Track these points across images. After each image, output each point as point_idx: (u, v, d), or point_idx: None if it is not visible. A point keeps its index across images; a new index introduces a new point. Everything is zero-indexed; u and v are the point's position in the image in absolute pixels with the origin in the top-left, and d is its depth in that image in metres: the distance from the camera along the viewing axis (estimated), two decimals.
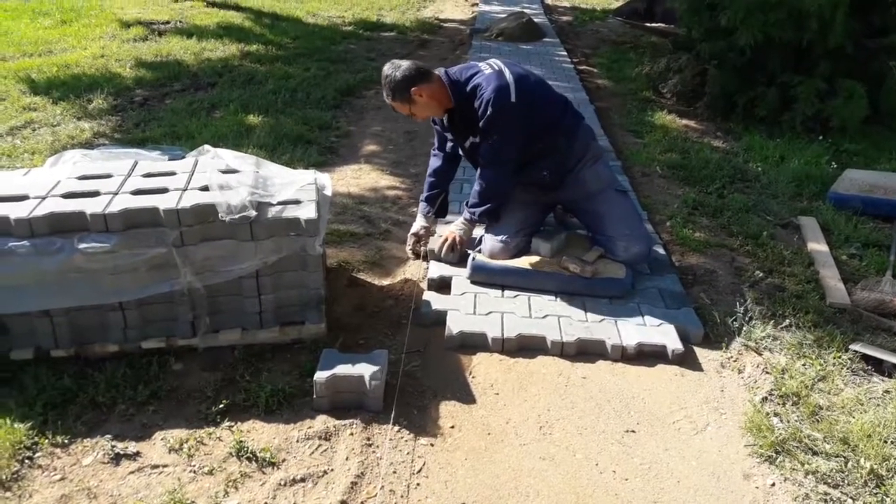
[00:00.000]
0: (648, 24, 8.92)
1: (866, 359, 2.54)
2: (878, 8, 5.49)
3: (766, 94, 5.29)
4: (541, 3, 11.20)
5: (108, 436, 2.07)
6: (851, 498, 1.93)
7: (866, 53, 5.29)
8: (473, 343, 2.59)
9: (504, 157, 2.92)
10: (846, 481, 1.99)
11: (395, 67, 2.83)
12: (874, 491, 1.95)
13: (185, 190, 2.34)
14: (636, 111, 5.70)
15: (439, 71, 2.91)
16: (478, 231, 3.17)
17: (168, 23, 8.25)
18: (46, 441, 2.03)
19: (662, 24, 8.67)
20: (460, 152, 3.16)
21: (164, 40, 7.38)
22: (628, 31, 9.15)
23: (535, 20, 8.82)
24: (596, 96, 6.14)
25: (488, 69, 2.86)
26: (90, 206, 2.20)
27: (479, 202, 3.00)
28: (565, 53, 7.69)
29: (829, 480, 1.99)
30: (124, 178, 2.42)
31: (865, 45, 5.30)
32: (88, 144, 4.40)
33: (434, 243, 3.10)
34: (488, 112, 2.77)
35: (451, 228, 3.11)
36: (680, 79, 5.84)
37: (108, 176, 2.45)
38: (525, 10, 9.38)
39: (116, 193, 2.30)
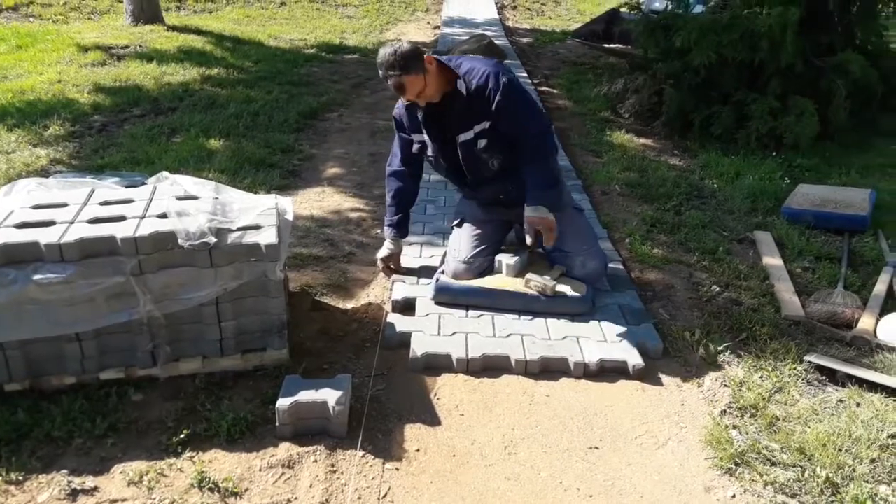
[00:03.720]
0: (606, 46, 9.11)
1: (820, 369, 2.61)
2: (826, 28, 5.71)
3: (721, 112, 5.45)
4: (501, 26, 11.38)
5: (65, 471, 2.02)
6: None
7: (816, 72, 5.48)
8: (438, 364, 2.59)
9: (538, 118, 2.86)
10: (803, 490, 2.03)
11: (398, 44, 2.70)
12: (830, 499, 2.00)
13: (142, 217, 2.31)
14: (595, 131, 5.81)
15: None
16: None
17: (127, 47, 8.17)
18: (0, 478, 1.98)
19: (620, 45, 8.86)
20: (429, 158, 3.04)
21: (124, 65, 7.31)
22: (587, 52, 9.33)
23: (496, 42, 8.94)
24: (556, 116, 6.24)
25: (474, 57, 2.87)
26: (45, 237, 2.16)
27: (544, 185, 2.86)
28: (526, 75, 7.80)
29: (787, 490, 2.03)
30: (80, 207, 2.39)
31: (815, 64, 5.50)
32: (45, 172, 4.33)
33: (543, 280, 2.88)
34: (502, 82, 2.71)
35: (531, 214, 2.87)
36: (637, 99, 5.97)
37: (64, 205, 2.41)
38: (486, 33, 9.50)
39: (72, 222, 2.27)
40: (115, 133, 5.26)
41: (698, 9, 6.26)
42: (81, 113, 5.66)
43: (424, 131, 2.95)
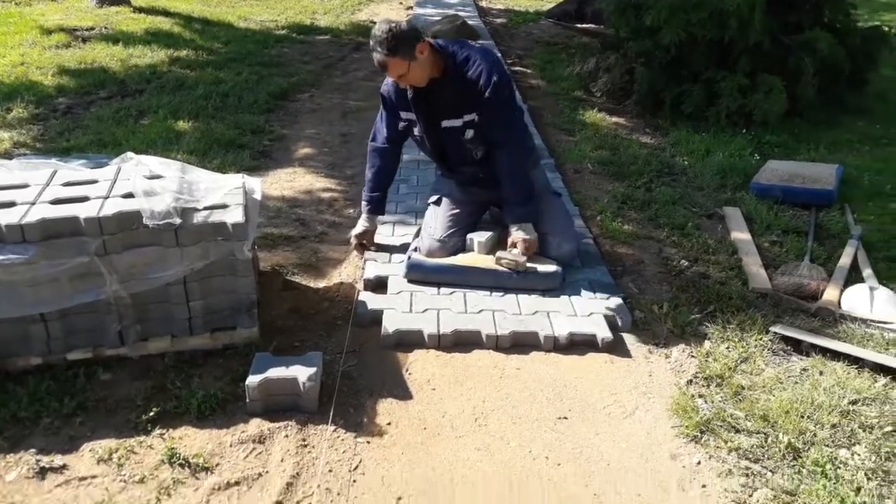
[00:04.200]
0: (579, 25, 9.12)
1: (786, 339, 2.66)
2: (794, 6, 5.76)
3: (692, 90, 5.47)
4: (475, 6, 11.31)
5: (33, 450, 2.00)
6: (771, 471, 2.02)
7: (784, 50, 5.53)
8: (410, 340, 2.60)
9: (519, 130, 2.92)
10: (766, 455, 2.08)
11: (397, 24, 2.70)
12: (791, 463, 2.05)
13: (106, 198, 2.28)
14: (568, 110, 5.81)
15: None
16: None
17: (92, 29, 8.00)
18: None
19: (592, 25, 8.86)
20: (416, 138, 3.05)
21: (89, 47, 7.16)
22: (560, 32, 9.32)
23: (470, 22, 8.90)
24: (529, 96, 6.24)
25: (472, 43, 2.86)
26: (5, 217, 2.13)
27: (522, 199, 2.95)
28: (499, 55, 7.77)
29: (751, 456, 2.08)
30: (42, 188, 2.35)
31: (783, 42, 5.54)
32: (8, 155, 4.24)
33: (514, 257, 2.89)
34: (493, 79, 2.74)
35: (519, 236, 2.92)
36: (609, 78, 5.98)
37: (25, 186, 2.37)
38: (459, 13, 9.45)
39: (34, 203, 2.23)
40: (80, 115, 5.16)
41: None
42: (45, 95, 5.54)
43: (413, 110, 2.95)
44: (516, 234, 2.94)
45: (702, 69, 5.51)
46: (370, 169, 3.20)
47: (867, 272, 3.09)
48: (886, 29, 6.24)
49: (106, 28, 8.11)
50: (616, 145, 4.92)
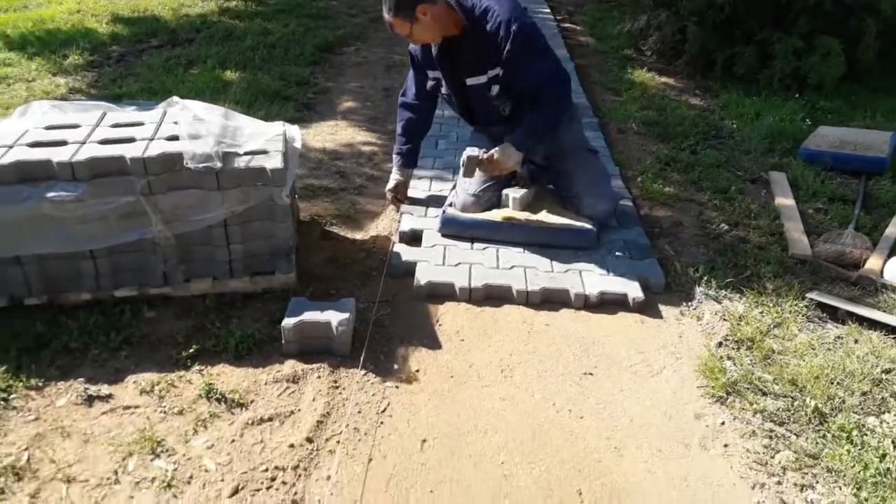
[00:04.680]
0: None
1: (822, 307, 2.62)
2: None
3: (745, 51, 5.30)
4: None
5: (81, 379, 2.12)
6: (795, 434, 2.02)
7: (845, 10, 5.29)
8: (441, 293, 2.64)
9: (550, 76, 2.81)
10: (791, 419, 2.08)
11: None
12: (817, 427, 2.04)
13: (152, 139, 2.36)
14: (616, 69, 5.70)
15: None
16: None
17: None
18: (21, 384, 2.08)
19: None
20: (444, 96, 3.05)
21: None
22: None
23: None
24: (577, 54, 6.13)
25: None
26: (57, 155, 2.22)
27: (524, 133, 2.84)
28: (548, 10, 7.63)
29: (776, 419, 2.08)
30: (92, 128, 2.44)
31: (844, 2, 5.30)
32: (63, 100, 4.35)
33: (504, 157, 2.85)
34: (512, 29, 2.67)
35: (494, 153, 2.84)
36: (660, 36, 5.83)
37: (76, 126, 2.46)
38: None
39: (84, 143, 2.32)
40: (132, 63, 5.27)
41: None
42: (100, 43, 5.67)
43: (438, 68, 2.94)
44: (494, 150, 2.85)
45: (756, 29, 5.32)
46: (399, 123, 3.22)
47: None
48: None
49: None
50: (663, 106, 4.82)
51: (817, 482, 1.87)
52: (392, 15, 2.73)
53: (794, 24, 5.20)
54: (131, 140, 2.35)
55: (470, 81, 2.89)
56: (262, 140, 2.49)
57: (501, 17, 2.72)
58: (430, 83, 3.05)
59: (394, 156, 3.27)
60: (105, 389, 2.10)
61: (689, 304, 2.66)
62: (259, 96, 4.54)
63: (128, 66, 5.23)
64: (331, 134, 4.21)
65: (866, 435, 2.00)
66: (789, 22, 5.24)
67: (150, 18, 6.43)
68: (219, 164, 2.28)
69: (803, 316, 2.57)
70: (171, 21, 6.41)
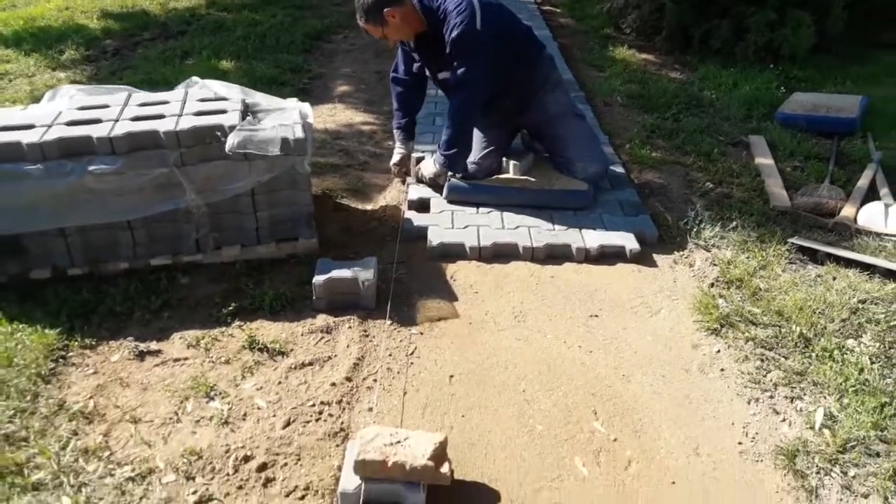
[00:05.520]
0: None
1: (802, 250, 2.86)
2: None
3: (721, 25, 5.53)
4: None
5: (131, 338, 2.30)
6: (784, 357, 2.26)
7: None
8: (453, 252, 2.84)
9: (471, 82, 2.99)
10: (779, 344, 2.31)
11: None
12: (803, 350, 2.27)
13: (180, 115, 2.53)
14: (598, 47, 5.92)
15: None
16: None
17: None
18: (76, 344, 2.25)
19: None
20: (430, 79, 3.29)
21: None
22: None
23: None
24: (559, 34, 6.33)
25: None
26: (96, 131, 2.38)
27: (448, 143, 3.10)
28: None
29: (766, 345, 2.31)
30: (122, 108, 2.60)
31: None
32: None
33: (424, 168, 3.28)
34: (454, 36, 2.89)
35: (427, 169, 3.24)
36: (638, 14, 6.05)
37: (106, 106, 2.62)
38: None
39: (117, 120, 2.48)
40: (129, 56, 5.39)
41: None
42: (93, 38, 5.77)
43: (420, 59, 3.17)
44: (425, 159, 3.30)
45: (731, 4, 5.55)
46: (395, 98, 3.41)
47: (884, 191, 3.25)
48: None
49: None
50: (645, 80, 5.04)
51: (805, 394, 2.10)
52: (364, 21, 2.97)
53: None
54: (161, 116, 2.51)
55: (440, 76, 3.13)
56: (281, 114, 2.67)
57: (454, 20, 2.92)
58: (415, 66, 3.27)
59: (394, 131, 3.45)
60: (154, 346, 2.28)
61: (681, 253, 2.89)
62: (257, 83, 4.67)
63: (124, 59, 5.35)
64: (330, 115, 4.38)
65: (846, 354, 2.24)
66: None
67: (140, 13, 6.53)
68: (276, 151, 2.45)
69: (786, 259, 2.80)
70: (160, 15, 6.52)
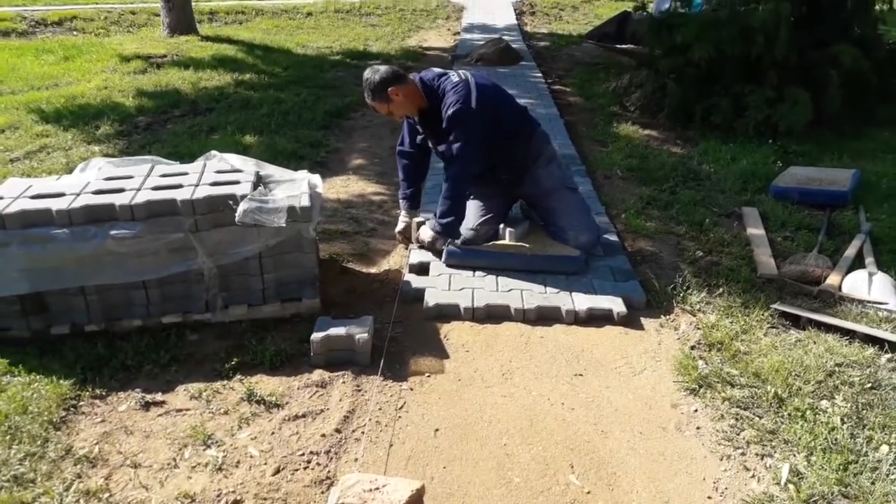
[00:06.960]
0: (619, 46, 9.46)
1: (786, 316, 2.95)
2: (821, 21, 6.02)
3: (721, 102, 5.77)
4: (520, 31, 11.78)
5: (138, 389, 2.46)
6: (758, 416, 2.34)
7: (811, 63, 5.78)
8: (448, 313, 2.99)
9: (464, 156, 3.21)
10: (755, 404, 2.39)
11: (375, 71, 3.21)
12: (777, 409, 2.36)
13: (197, 185, 2.76)
14: (603, 123, 6.17)
15: (413, 75, 3.30)
16: None
17: (165, 56, 8.73)
18: (87, 394, 2.42)
19: (631, 45, 9.20)
20: (433, 150, 3.50)
21: (163, 72, 7.85)
22: (600, 53, 9.68)
23: (513, 46, 9.35)
24: (567, 112, 6.62)
25: (455, 77, 3.27)
26: (119, 199, 2.61)
27: (444, 212, 3.30)
28: (540, 75, 8.19)
29: (742, 404, 2.40)
30: (144, 178, 2.85)
31: (809, 56, 5.80)
32: None
33: (423, 233, 3.46)
34: (449, 113, 3.14)
35: (426, 234, 3.43)
36: (642, 93, 6.33)
37: (131, 177, 2.87)
38: (504, 37, 9.91)
39: (139, 189, 2.72)
40: (159, 131, 5.76)
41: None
42: (127, 114, 6.17)
43: (423, 132, 3.42)
44: (426, 224, 3.46)
45: (731, 83, 5.81)
46: (401, 170, 3.63)
47: (869, 260, 3.35)
48: None
49: (177, 55, 8.83)
50: (646, 154, 5.25)
51: (776, 451, 2.18)
52: (370, 99, 3.25)
53: (764, 77, 5.69)
54: (179, 186, 2.75)
55: (440, 148, 3.35)
56: (291, 184, 2.89)
57: (450, 99, 3.18)
58: (419, 137, 3.51)
59: (400, 201, 3.67)
60: (159, 397, 2.44)
61: (668, 317, 3.00)
62: (277, 156, 4.97)
63: (154, 133, 5.71)
64: (343, 186, 4.63)
65: (819, 414, 2.31)
66: (760, 75, 5.73)
67: (172, 92, 6.97)
68: (282, 223, 2.66)
69: (768, 324, 2.90)
70: (191, 94, 6.95)
